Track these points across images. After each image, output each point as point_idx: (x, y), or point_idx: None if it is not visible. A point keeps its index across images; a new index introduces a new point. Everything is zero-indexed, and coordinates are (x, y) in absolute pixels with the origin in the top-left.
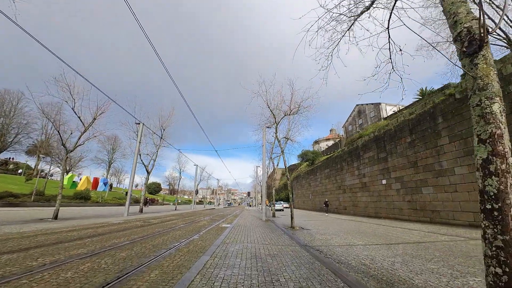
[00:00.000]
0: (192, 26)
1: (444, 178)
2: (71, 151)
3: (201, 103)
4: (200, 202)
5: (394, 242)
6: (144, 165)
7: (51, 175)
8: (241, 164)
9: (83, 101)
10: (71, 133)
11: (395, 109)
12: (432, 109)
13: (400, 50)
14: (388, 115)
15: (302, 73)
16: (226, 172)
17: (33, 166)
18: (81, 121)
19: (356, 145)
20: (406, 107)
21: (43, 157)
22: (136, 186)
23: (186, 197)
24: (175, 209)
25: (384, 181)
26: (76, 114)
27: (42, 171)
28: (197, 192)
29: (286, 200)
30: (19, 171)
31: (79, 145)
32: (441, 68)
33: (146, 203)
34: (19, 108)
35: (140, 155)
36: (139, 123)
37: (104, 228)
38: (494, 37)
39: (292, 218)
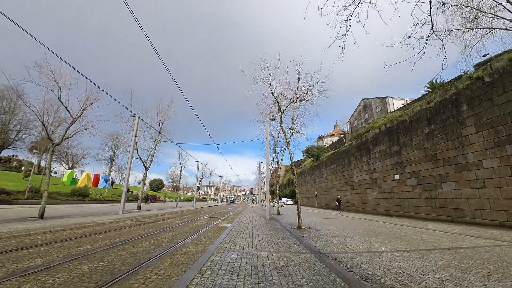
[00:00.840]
0: (194, 21)
1: (470, 172)
2: (57, 144)
3: (204, 101)
4: (203, 199)
5: (425, 248)
6: (142, 161)
7: (55, 172)
8: (244, 161)
9: (71, 91)
10: (58, 125)
11: (403, 103)
12: (455, 96)
13: (443, 4)
14: (395, 109)
15: (312, 53)
16: (230, 170)
17: (36, 163)
18: (69, 111)
19: (365, 139)
20: (415, 100)
21: (36, 152)
22: (139, 183)
23: (190, 194)
24: (176, 206)
25: (397, 177)
26: (62, 104)
27: (45, 168)
28: (198, 188)
29: (291, 196)
30: (22, 168)
31: (67, 138)
32: (455, 58)
33: (147, 200)
34: (18, 104)
35: (137, 150)
36: (134, 116)
37: (86, 229)
38: None
39: (299, 217)
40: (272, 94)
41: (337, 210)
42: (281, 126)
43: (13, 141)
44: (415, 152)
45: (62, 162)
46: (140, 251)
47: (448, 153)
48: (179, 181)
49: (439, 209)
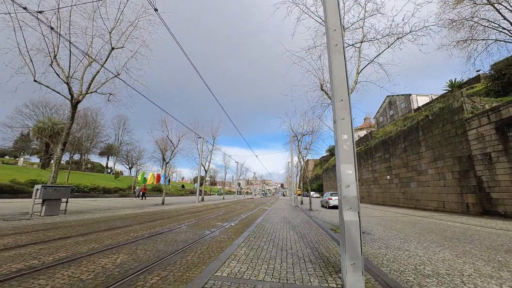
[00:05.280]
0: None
1: None
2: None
3: (227, 96)
4: (239, 193)
5: None
6: (203, 166)
7: (122, 173)
8: (272, 156)
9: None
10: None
11: (428, 99)
12: None
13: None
14: (418, 106)
15: None
16: (258, 162)
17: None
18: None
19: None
20: (439, 98)
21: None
22: (182, 179)
23: (226, 188)
24: (202, 200)
25: None
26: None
27: (118, 171)
28: (239, 184)
29: (318, 190)
30: (111, 171)
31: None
32: (461, 67)
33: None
34: (97, 120)
35: (200, 155)
36: (200, 137)
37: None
38: None
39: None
40: None
41: None
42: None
43: (89, 148)
44: None
45: (123, 163)
46: None
47: None
48: (204, 174)
49: None
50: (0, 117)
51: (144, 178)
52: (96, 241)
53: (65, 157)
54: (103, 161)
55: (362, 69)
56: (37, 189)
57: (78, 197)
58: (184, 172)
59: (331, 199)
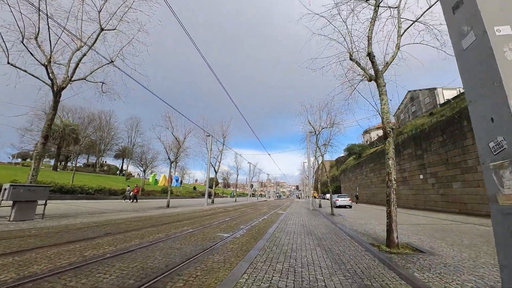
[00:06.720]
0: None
1: None
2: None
3: (242, 95)
4: (252, 195)
5: None
6: (213, 166)
7: (138, 174)
8: (286, 157)
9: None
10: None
11: (455, 93)
12: None
13: None
14: (447, 99)
15: None
16: (273, 165)
17: (119, 167)
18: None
19: None
20: None
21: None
22: (196, 181)
23: (238, 190)
24: (212, 203)
25: None
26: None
27: (130, 172)
28: (252, 186)
29: (335, 192)
30: (121, 172)
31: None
32: None
33: (210, 195)
34: (111, 123)
35: (209, 157)
36: (209, 135)
37: None
38: None
39: None
40: None
41: None
42: None
43: (104, 151)
44: None
45: (138, 165)
46: None
47: None
48: (216, 173)
49: None
50: (21, 122)
51: (156, 179)
52: (23, 265)
53: (82, 160)
54: (118, 163)
55: (406, 29)
56: (5, 189)
57: (80, 199)
58: (198, 174)
59: (337, 200)
